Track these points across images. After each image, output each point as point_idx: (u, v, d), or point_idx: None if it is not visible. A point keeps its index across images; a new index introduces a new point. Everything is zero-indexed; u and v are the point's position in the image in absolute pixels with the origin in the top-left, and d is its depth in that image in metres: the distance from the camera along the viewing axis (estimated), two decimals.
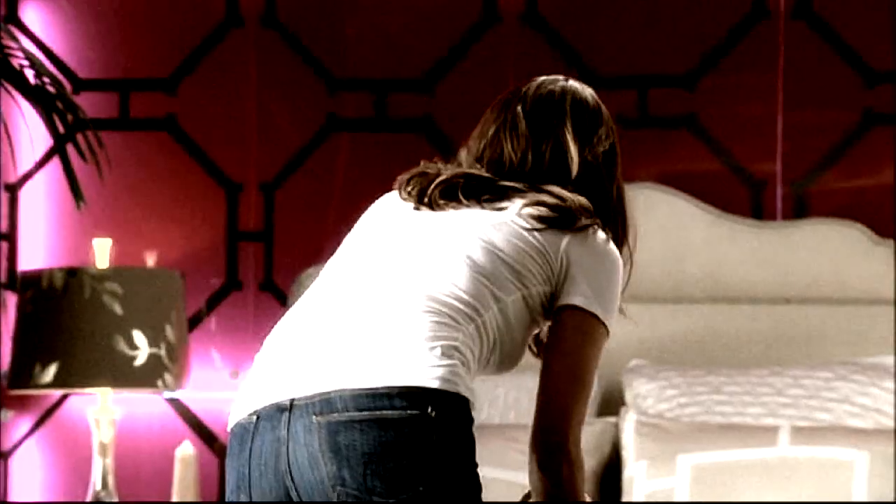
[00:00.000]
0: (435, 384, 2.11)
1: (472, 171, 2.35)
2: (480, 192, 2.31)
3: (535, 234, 2.26)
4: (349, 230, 2.43)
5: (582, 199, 2.30)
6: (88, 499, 4.44)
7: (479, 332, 2.20)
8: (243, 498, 2.16)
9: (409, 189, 2.36)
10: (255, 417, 2.15)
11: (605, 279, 2.26)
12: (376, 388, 2.10)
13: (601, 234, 2.30)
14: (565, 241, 2.27)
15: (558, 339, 2.23)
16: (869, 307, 4.44)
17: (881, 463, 3.99)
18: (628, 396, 4.29)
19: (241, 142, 4.82)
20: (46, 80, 3.92)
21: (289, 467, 2.12)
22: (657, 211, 4.55)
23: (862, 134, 4.63)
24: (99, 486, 4.42)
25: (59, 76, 4.38)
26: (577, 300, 2.23)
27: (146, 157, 4.82)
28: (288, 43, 4.81)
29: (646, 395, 4.27)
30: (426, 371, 2.13)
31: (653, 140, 4.69)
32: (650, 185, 4.58)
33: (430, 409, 2.09)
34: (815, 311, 4.46)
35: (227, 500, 2.18)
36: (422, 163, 2.40)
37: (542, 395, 2.21)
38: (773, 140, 4.65)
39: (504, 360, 2.26)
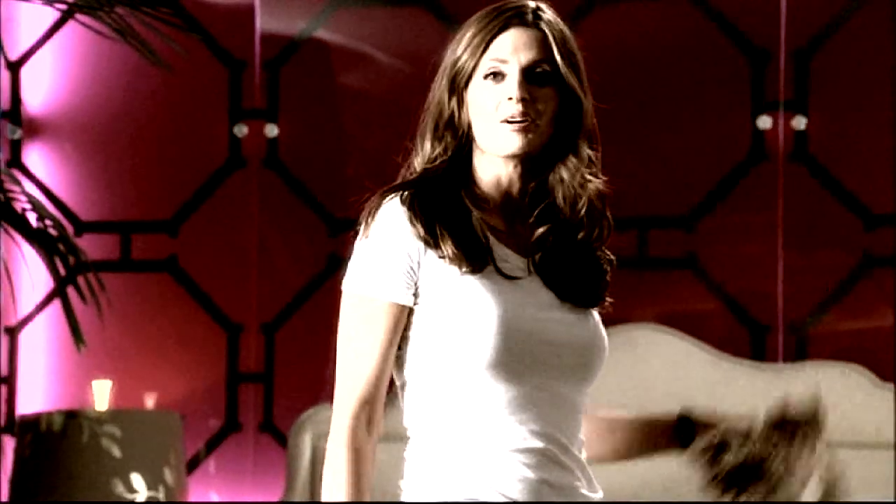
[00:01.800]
0: None
1: None
2: None
3: None
4: None
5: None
6: None
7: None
8: None
9: None
10: None
11: (356, 251, 2.18)
12: None
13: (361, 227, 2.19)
14: None
15: None
16: (871, 451, 4.41)
17: None
18: None
19: (242, 282, 4.83)
20: (48, 222, 3.94)
21: None
22: (657, 352, 4.54)
23: (861, 276, 4.64)
24: None
25: (61, 218, 4.40)
26: None
27: (147, 299, 4.82)
28: (290, 184, 4.83)
29: None
30: None
31: (653, 281, 4.70)
32: (650, 326, 4.58)
33: None
34: None
35: None
36: None
37: None
38: (774, 281, 4.66)
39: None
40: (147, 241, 4.86)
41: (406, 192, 2.16)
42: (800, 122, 4.67)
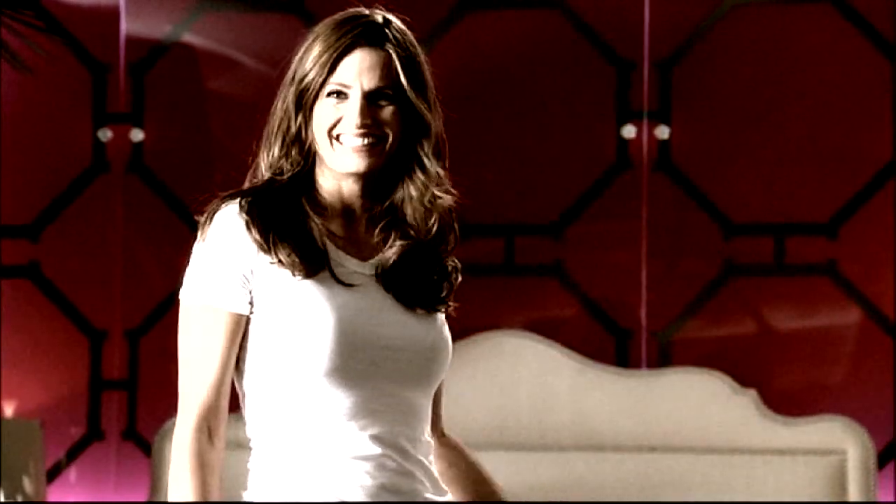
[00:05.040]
0: None
1: None
2: None
3: None
4: None
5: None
6: None
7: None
8: None
9: None
10: None
11: (193, 257, 2.18)
12: None
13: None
14: None
15: None
16: (730, 456, 4.47)
17: None
18: None
19: (105, 288, 4.77)
20: None
21: None
22: (524, 358, 4.56)
23: (722, 284, 4.71)
24: None
25: None
26: None
27: (8, 305, 4.75)
28: (155, 189, 4.79)
29: None
30: None
31: (520, 288, 4.73)
32: (517, 333, 4.60)
33: None
34: (679, 460, 4.48)
35: None
36: None
37: None
38: (638, 289, 4.71)
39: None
40: (8, 247, 4.79)
41: (244, 199, 2.16)
42: (663, 132, 4.73)
